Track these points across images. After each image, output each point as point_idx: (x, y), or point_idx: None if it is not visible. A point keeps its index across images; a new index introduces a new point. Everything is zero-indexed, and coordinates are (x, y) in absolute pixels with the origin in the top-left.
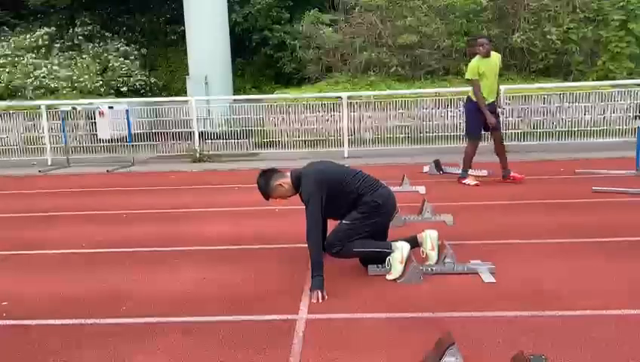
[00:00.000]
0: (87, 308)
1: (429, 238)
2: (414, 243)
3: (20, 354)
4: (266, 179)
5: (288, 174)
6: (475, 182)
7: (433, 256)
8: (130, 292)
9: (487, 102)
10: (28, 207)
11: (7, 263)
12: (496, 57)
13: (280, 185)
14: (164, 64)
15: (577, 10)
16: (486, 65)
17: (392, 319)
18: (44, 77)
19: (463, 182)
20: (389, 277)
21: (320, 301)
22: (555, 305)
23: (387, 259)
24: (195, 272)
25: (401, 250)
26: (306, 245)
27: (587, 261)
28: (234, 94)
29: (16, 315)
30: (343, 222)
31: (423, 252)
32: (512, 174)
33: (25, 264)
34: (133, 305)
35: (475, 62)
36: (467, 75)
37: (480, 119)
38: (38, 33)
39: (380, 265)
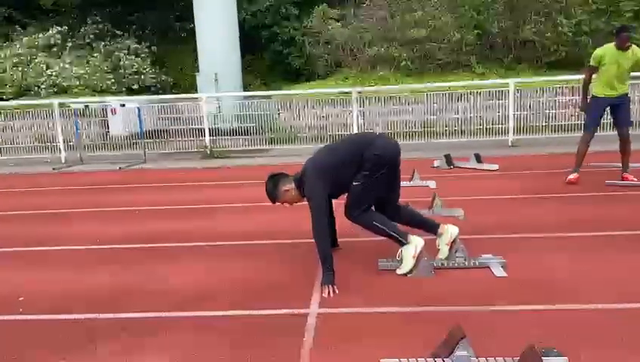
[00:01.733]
0: (101, 303)
1: (450, 233)
2: (434, 228)
3: (35, 348)
4: (274, 183)
5: (292, 179)
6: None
7: (445, 251)
8: (143, 288)
9: (605, 96)
10: (42, 204)
11: (22, 260)
12: (632, 53)
13: (287, 190)
14: (174, 61)
15: (589, 1)
16: (614, 57)
17: (403, 313)
18: (56, 75)
19: (569, 177)
20: (399, 271)
21: (331, 295)
22: (567, 298)
23: (399, 251)
24: (207, 267)
25: (415, 244)
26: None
27: (600, 254)
28: (244, 90)
29: (31, 310)
30: (353, 183)
31: (438, 243)
32: (625, 174)
33: (40, 260)
34: (146, 300)
35: (602, 50)
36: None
37: (596, 112)
38: (50, 32)
39: (390, 259)
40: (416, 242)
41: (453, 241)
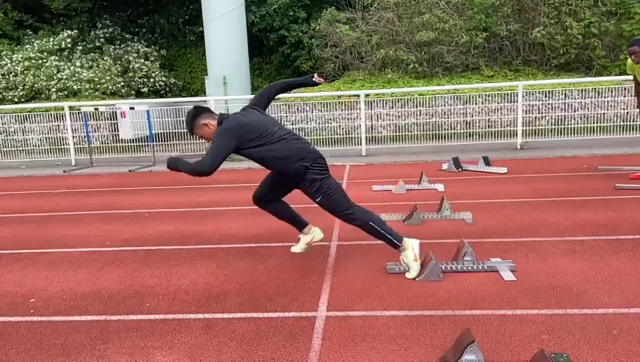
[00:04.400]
0: (111, 304)
1: (313, 236)
2: (302, 226)
3: (47, 350)
4: (195, 113)
5: (217, 118)
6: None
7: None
8: (153, 289)
9: None
10: (53, 206)
11: (33, 261)
12: None
13: (206, 124)
14: (183, 65)
15: (599, 3)
16: (633, 68)
17: (412, 316)
18: (66, 79)
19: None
20: (408, 276)
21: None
22: (577, 302)
23: (401, 258)
24: (216, 270)
25: (411, 247)
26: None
27: (609, 259)
28: (252, 93)
29: (43, 312)
30: (317, 201)
31: (299, 237)
32: (632, 174)
33: (51, 262)
34: (156, 301)
35: (629, 60)
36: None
37: None
38: (60, 36)
39: (399, 263)
40: (411, 245)
41: (459, 242)
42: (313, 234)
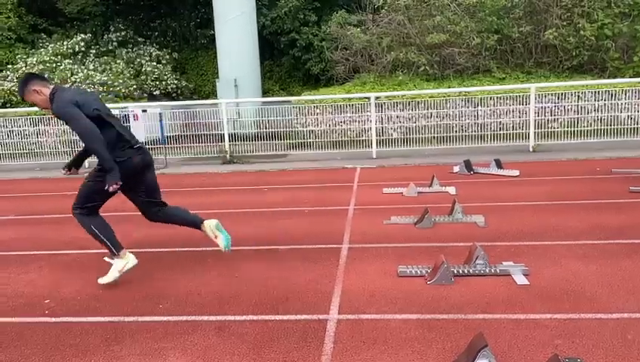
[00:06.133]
0: (125, 306)
1: (209, 229)
2: (198, 225)
3: (62, 350)
4: (26, 80)
5: (51, 87)
6: None
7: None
8: (166, 291)
9: None
10: (67, 208)
11: (48, 262)
12: None
13: (37, 91)
14: (194, 67)
15: (612, 5)
16: None
17: (423, 320)
18: (80, 82)
19: None
20: (100, 280)
21: (115, 188)
22: (591, 307)
23: (112, 259)
24: (228, 271)
25: (126, 262)
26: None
27: (623, 262)
28: (263, 96)
29: (58, 313)
30: (88, 181)
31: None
32: None
33: (65, 263)
34: (169, 303)
35: None
36: None
37: None
38: (74, 40)
39: (410, 266)
40: (127, 259)
41: (471, 246)
42: (208, 225)
